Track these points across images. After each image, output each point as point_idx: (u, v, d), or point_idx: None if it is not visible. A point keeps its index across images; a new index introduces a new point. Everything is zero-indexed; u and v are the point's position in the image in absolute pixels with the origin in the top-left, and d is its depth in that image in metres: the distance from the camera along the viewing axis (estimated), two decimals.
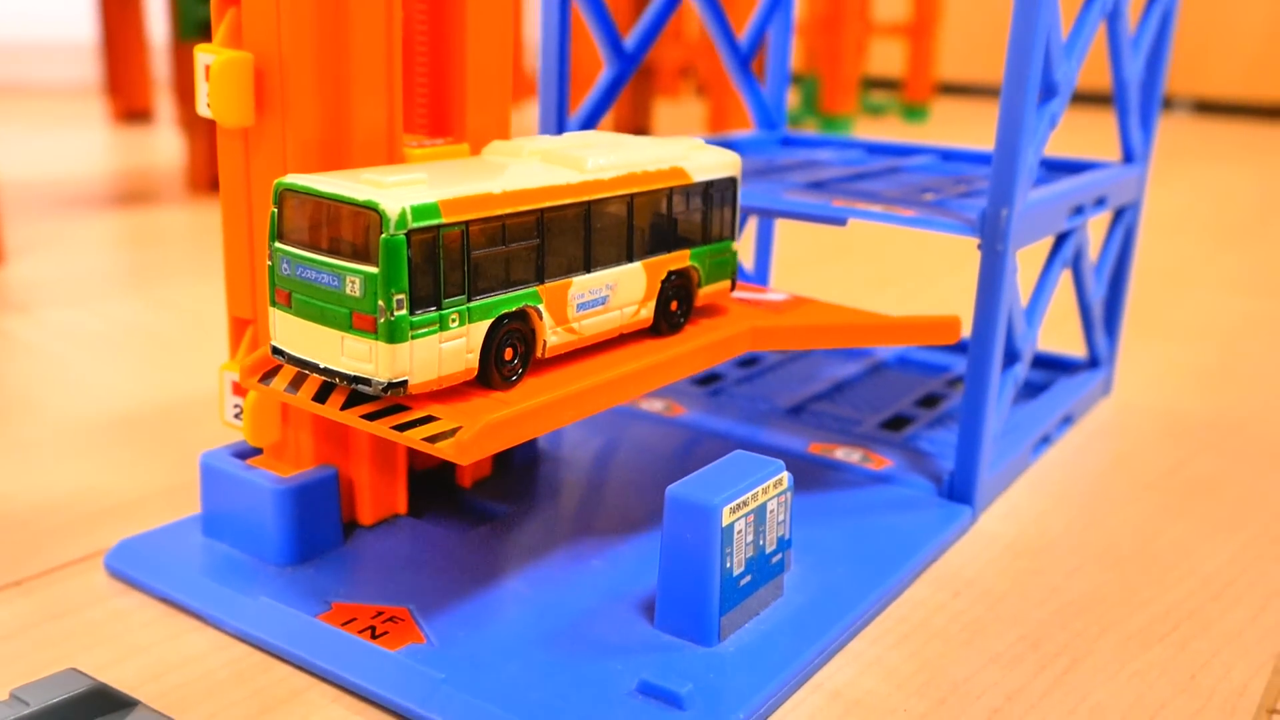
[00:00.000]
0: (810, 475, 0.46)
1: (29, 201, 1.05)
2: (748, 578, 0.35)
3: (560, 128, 0.52)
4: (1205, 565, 0.43)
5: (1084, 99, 2.24)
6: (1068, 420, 0.56)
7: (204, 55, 0.35)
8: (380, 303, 0.30)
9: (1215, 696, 0.34)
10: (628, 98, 1.56)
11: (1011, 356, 0.47)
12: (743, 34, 0.63)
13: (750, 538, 0.35)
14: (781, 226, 1.01)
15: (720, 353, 0.39)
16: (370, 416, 0.31)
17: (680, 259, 0.39)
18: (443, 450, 0.30)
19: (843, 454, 0.49)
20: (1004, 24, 2.42)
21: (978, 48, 2.50)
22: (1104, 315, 0.60)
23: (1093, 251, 0.59)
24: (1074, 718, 0.33)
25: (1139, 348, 0.70)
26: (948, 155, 0.63)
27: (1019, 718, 0.33)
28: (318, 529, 0.38)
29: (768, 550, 0.36)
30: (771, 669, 0.33)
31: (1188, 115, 2.32)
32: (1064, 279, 0.80)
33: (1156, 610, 0.39)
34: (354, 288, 0.30)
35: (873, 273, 0.90)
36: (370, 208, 0.30)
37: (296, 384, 0.33)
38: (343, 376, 0.31)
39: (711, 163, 0.39)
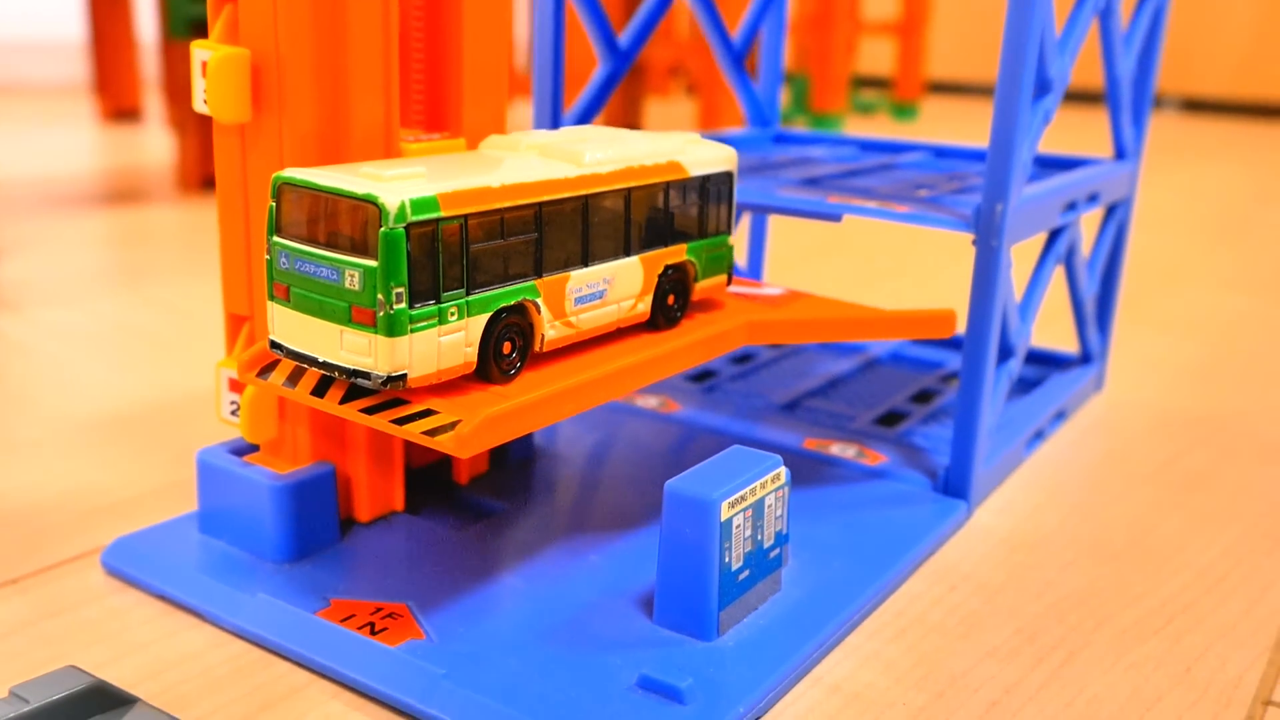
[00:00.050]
0: (806, 470, 0.47)
1: (18, 200, 1.05)
2: (746, 572, 0.35)
3: (555, 125, 0.52)
4: (1199, 559, 0.43)
5: (1072, 96, 2.25)
6: (1061, 415, 0.56)
7: (200, 51, 0.35)
8: (379, 296, 0.30)
9: (1211, 688, 0.35)
10: (618, 96, 1.56)
11: (1006, 352, 0.47)
12: (736, 32, 0.63)
13: (749, 532, 0.35)
14: (774, 223, 1.01)
15: (717, 347, 0.39)
16: (369, 410, 0.31)
17: (677, 253, 0.39)
18: (443, 444, 0.30)
19: (838, 449, 0.49)
20: (993, 23, 2.43)
21: (967, 47, 2.51)
22: (1096, 311, 0.61)
23: (1084, 248, 0.59)
24: (1071, 710, 0.33)
25: (1130, 343, 0.71)
26: (940, 152, 0.63)
27: (1017, 711, 0.33)
28: (315, 526, 0.38)
29: (766, 545, 0.36)
30: (771, 663, 0.33)
31: (1176, 113, 2.32)
32: (1055, 275, 0.80)
33: (1152, 603, 0.39)
34: (353, 281, 0.30)
35: (865, 269, 0.90)
36: (369, 201, 0.30)
37: (295, 378, 0.33)
38: (342, 370, 0.31)
39: (708, 157, 0.39)
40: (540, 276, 0.34)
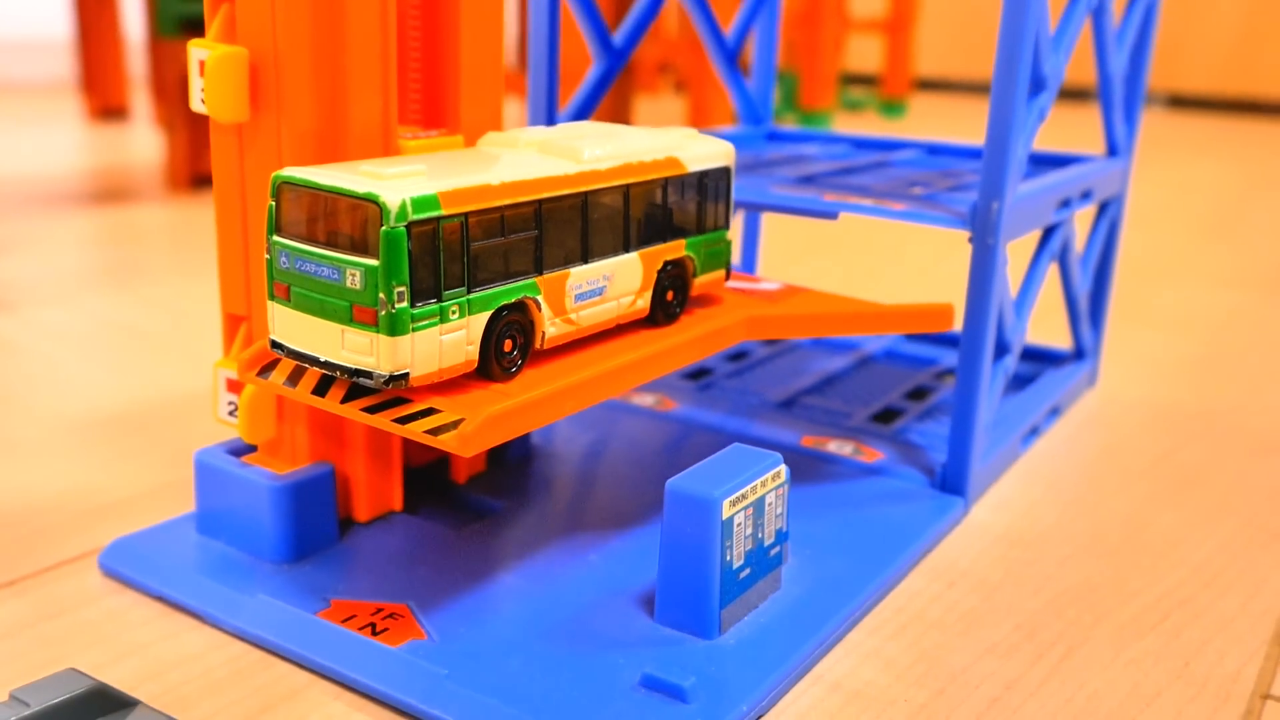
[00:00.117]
0: (803, 468, 0.47)
1: (6, 199, 1.04)
2: (747, 570, 0.35)
3: (550, 122, 0.52)
4: (1195, 554, 0.43)
5: (1059, 93, 2.25)
6: (1055, 412, 0.56)
7: (198, 50, 0.35)
8: (381, 295, 0.30)
9: (1210, 683, 0.35)
10: (608, 93, 1.56)
11: (1002, 349, 0.48)
12: (729, 30, 0.63)
13: (749, 531, 0.35)
14: (766, 221, 1.01)
15: (717, 342, 0.39)
16: (371, 409, 0.31)
17: (676, 249, 0.39)
18: (446, 442, 0.30)
19: (835, 447, 0.49)
20: (981, 20, 2.43)
21: (955, 44, 2.51)
22: (1089, 307, 0.61)
23: (1076, 244, 0.59)
24: (1072, 706, 0.33)
25: (1122, 339, 0.71)
26: (933, 150, 0.63)
27: (1018, 707, 0.33)
28: (314, 526, 0.38)
29: (766, 543, 0.36)
30: (772, 661, 0.33)
31: (1162, 110, 2.33)
32: (1048, 272, 0.80)
33: (1149, 599, 0.40)
34: (354, 280, 0.30)
35: (857, 266, 0.90)
36: (370, 200, 0.30)
37: (295, 378, 0.33)
38: (343, 370, 0.31)
39: (706, 152, 0.39)
40: (541, 274, 0.34)
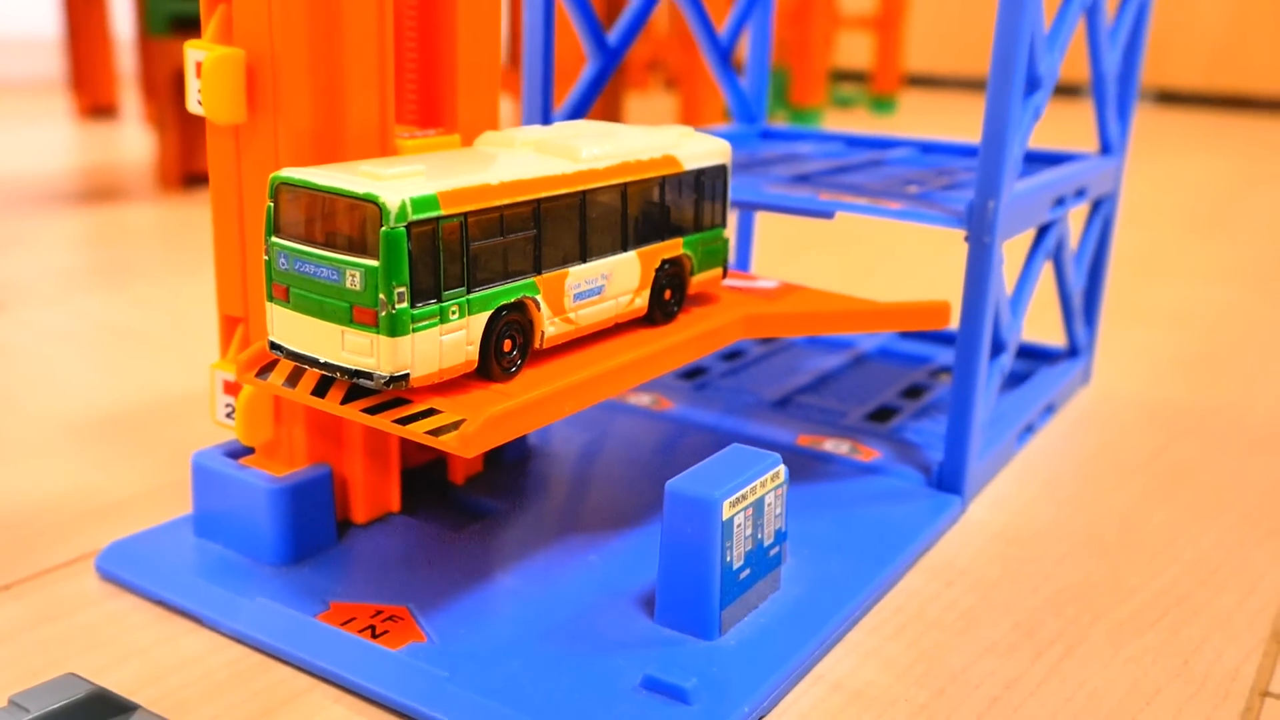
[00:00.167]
0: (800, 467, 0.47)
1: None
2: (747, 571, 0.35)
3: (545, 122, 0.52)
4: (1191, 550, 0.43)
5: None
6: (1050, 409, 0.56)
7: (195, 52, 0.34)
8: (381, 296, 0.30)
9: (1209, 681, 0.35)
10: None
11: (998, 347, 0.48)
12: (722, 28, 0.63)
13: (749, 531, 0.35)
14: (759, 219, 1.01)
15: (716, 340, 0.39)
16: (371, 410, 0.31)
17: (673, 247, 0.39)
18: (447, 443, 0.30)
19: (831, 446, 0.49)
20: (970, 16, 2.44)
21: (944, 40, 2.51)
22: (1083, 305, 0.61)
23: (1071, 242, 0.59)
24: (1072, 705, 0.33)
25: (1115, 336, 0.71)
26: (927, 148, 0.64)
27: (1018, 706, 0.33)
28: (313, 528, 0.38)
29: (765, 543, 0.36)
30: (773, 662, 0.33)
31: (1151, 106, 2.34)
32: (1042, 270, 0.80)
33: (1146, 596, 0.40)
34: (354, 281, 0.30)
35: (850, 264, 0.90)
36: (370, 200, 0.30)
37: (294, 379, 0.33)
38: (343, 371, 0.31)
39: (702, 151, 0.39)
40: (539, 273, 0.34)
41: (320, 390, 0.33)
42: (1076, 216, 0.90)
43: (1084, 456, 0.52)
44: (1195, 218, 1.15)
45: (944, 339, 0.64)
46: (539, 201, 0.33)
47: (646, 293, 0.38)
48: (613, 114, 1.51)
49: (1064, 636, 0.37)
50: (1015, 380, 0.58)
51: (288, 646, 0.34)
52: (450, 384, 0.32)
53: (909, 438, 0.50)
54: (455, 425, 0.30)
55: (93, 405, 0.54)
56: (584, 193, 0.35)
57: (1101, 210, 0.60)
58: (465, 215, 0.31)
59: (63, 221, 0.95)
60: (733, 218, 0.69)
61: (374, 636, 0.33)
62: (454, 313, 0.31)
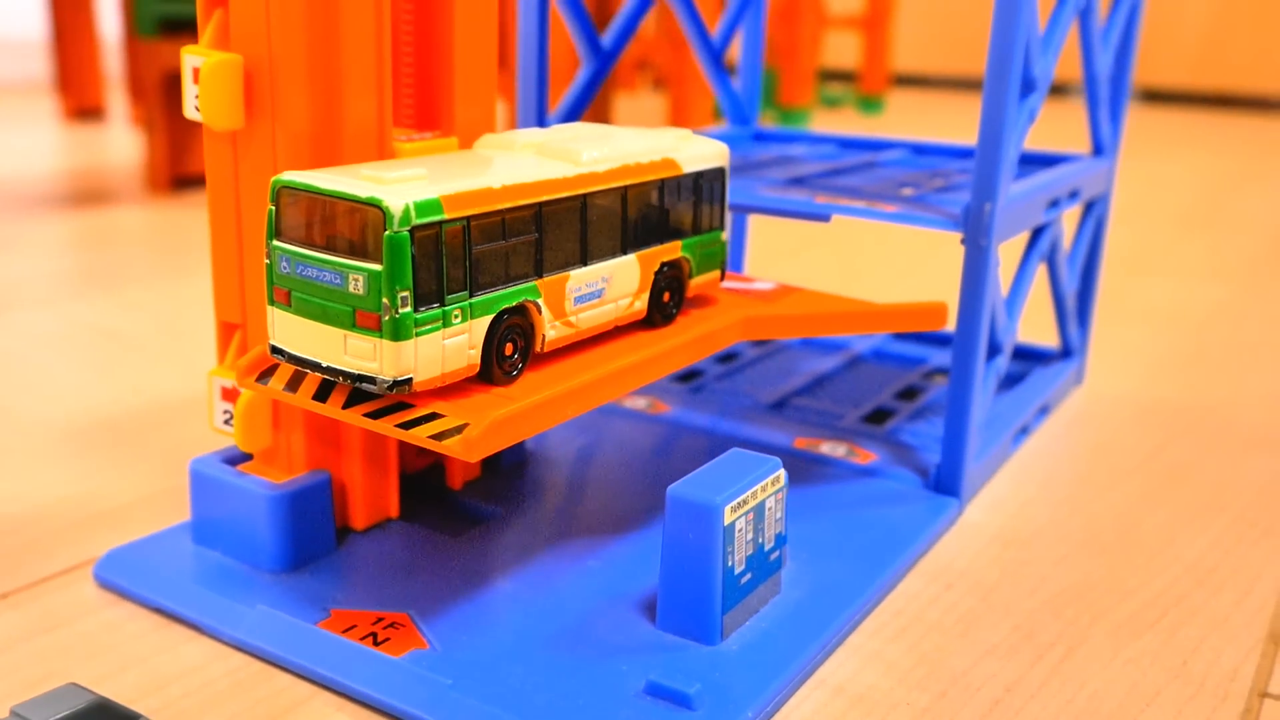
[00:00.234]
0: (798, 470, 0.47)
1: None
2: (748, 575, 0.35)
3: (541, 124, 0.52)
4: (1188, 551, 0.43)
5: None
6: (1044, 410, 0.57)
7: (192, 58, 0.34)
8: (384, 300, 0.30)
9: (1208, 682, 0.35)
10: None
11: (994, 349, 0.48)
12: (715, 30, 0.63)
13: (750, 535, 0.35)
14: (752, 221, 1.01)
15: (715, 343, 0.39)
16: (374, 415, 0.31)
17: (672, 250, 0.39)
18: (450, 447, 0.30)
19: (828, 448, 0.49)
20: (957, 15, 2.44)
21: (932, 39, 2.52)
22: (1076, 305, 0.61)
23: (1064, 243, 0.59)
24: (1073, 707, 0.34)
25: (1107, 336, 0.71)
26: (920, 150, 0.64)
27: (1020, 709, 0.33)
28: (312, 535, 0.38)
29: (766, 547, 0.36)
30: (776, 666, 0.33)
31: (1136, 104, 2.35)
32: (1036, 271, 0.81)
33: (1144, 597, 0.40)
34: (357, 285, 0.30)
35: (844, 266, 0.91)
36: (373, 204, 0.30)
37: (294, 384, 0.33)
38: (346, 375, 0.31)
39: (701, 153, 0.39)
40: (541, 277, 0.34)
41: (321, 395, 0.32)
42: (1069, 217, 0.90)
43: (1079, 457, 0.52)
44: (1183, 215, 1.16)
45: (938, 340, 0.64)
46: (541, 205, 0.33)
47: (646, 295, 0.38)
48: (602, 114, 1.51)
49: (1064, 638, 0.37)
50: (1009, 382, 0.58)
51: (289, 654, 0.33)
52: (452, 388, 0.32)
53: (905, 440, 0.50)
54: (459, 429, 0.30)
55: (88, 411, 0.53)
56: (585, 196, 0.35)
57: (1094, 211, 0.60)
58: (468, 219, 0.31)
59: (51, 225, 0.95)
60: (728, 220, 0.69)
61: (375, 644, 0.33)
62: (457, 316, 0.31)
